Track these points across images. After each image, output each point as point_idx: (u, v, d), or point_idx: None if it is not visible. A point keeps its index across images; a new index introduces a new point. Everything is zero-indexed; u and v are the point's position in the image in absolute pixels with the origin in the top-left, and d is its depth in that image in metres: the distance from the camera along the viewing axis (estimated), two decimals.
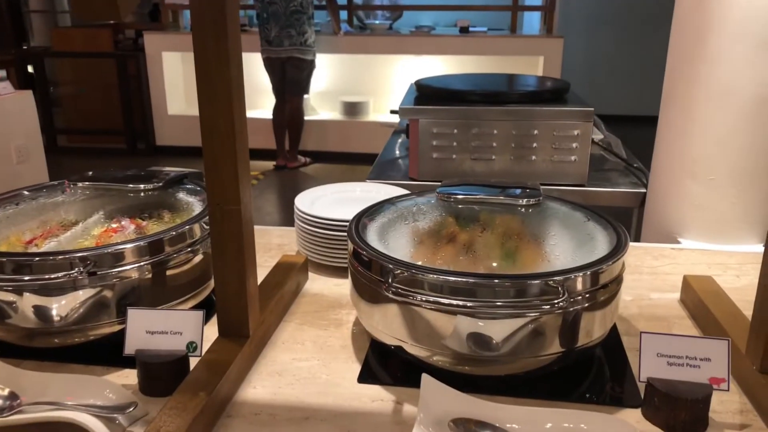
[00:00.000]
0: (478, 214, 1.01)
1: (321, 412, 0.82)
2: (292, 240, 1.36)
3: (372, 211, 1.03)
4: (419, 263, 0.86)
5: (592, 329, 0.85)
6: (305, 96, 5.63)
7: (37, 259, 0.87)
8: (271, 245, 1.35)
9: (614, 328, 1.01)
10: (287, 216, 4.57)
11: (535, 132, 1.66)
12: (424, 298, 0.80)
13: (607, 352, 0.96)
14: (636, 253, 1.32)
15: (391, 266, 0.84)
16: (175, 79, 6.18)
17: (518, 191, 1.04)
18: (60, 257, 0.87)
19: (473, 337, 0.81)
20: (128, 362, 0.87)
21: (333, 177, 5.42)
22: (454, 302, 0.79)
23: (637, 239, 1.68)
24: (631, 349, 0.96)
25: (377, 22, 6.31)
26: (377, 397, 0.85)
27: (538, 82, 2.16)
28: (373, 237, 0.95)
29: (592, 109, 1.64)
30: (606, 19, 7.35)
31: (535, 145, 1.67)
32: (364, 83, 6.15)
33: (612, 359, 0.95)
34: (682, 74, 1.40)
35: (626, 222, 1.58)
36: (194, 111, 6.07)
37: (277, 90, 5.43)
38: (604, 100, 6.23)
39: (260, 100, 5.93)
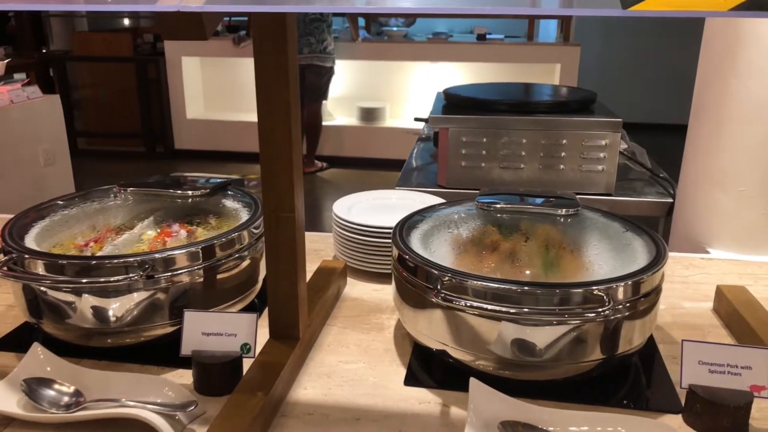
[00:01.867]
0: (518, 223, 1.03)
1: (371, 413, 0.85)
2: (328, 245, 1.39)
3: (413, 219, 1.07)
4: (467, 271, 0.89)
5: (633, 337, 0.88)
6: (323, 101, 5.68)
7: (95, 262, 0.91)
8: (308, 250, 1.38)
9: (650, 336, 1.03)
10: (305, 220, 4.59)
11: (564, 142, 1.68)
12: (472, 305, 0.83)
13: (644, 359, 0.99)
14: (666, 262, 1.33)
15: (438, 273, 0.87)
16: (194, 84, 6.25)
17: (556, 201, 1.07)
18: (119, 261, 0.91)
19: (518, 343, 0.84)
20: (181, 362, 0.90)
21: (349, 182, 5.46)
22: (502, 309, 0.82)
23: None
24: (667, 357, 0.99)
25: (395, 29, 6.35)
26: (424, 400, 0.88)
27: (565, 92, 2.18)
28: (416, 244, 0.98)
29: (621, 120, 1.67)
30: (623, 27, 7.35)
31: (563, 154, 1.69)
32: (381, 89, 6.19)
33: (648, 366, 0.97)
34: (713, 87, 1.43)
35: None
36: (213, 115, 6.04)
37: None
38: (620, 108, 6.21)
39: None
